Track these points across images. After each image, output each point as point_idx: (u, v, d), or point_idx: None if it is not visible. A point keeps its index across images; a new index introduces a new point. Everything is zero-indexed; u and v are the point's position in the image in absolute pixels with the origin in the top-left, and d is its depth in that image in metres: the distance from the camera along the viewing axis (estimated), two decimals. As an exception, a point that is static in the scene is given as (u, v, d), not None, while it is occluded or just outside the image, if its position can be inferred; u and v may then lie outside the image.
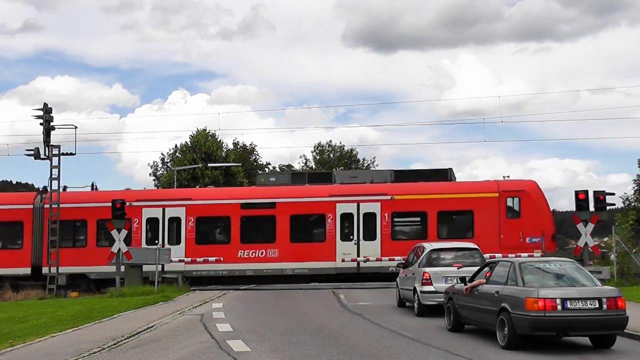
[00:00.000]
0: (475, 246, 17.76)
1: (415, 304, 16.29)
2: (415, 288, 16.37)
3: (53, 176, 29.68)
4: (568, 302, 10.25)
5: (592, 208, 23.59)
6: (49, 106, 29.54)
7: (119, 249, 25.16)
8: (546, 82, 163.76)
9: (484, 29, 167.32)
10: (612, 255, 25.63)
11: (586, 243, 23.23)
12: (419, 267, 16.73)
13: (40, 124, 29.28)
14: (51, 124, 29.35)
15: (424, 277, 16.04)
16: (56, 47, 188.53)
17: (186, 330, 13.57)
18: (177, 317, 16.19)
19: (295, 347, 11.07)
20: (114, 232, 25.10)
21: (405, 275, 17.84)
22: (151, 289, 25.19)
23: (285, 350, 10.77)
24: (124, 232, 25.17)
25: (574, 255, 23.36)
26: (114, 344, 11.75)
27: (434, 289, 15.69)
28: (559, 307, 10.20)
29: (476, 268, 14.90)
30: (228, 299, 22.13)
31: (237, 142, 52.82)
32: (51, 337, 13.04)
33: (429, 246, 17.42)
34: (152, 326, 14.34)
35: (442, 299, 14.85)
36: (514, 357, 10.15)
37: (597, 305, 10.30)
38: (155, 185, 52.52)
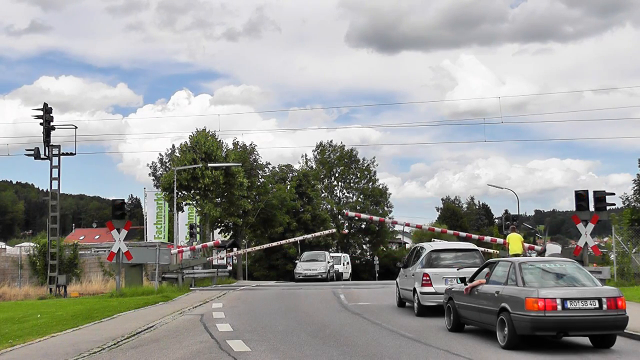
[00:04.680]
0: (475, 247, 17.76)
1: (415, 305, 16.29)
2: (415, 289, 16.33)
3: (53, 176, 29.72)
4: (568, 302, 10.23)
5: (592, 208, 23.60)
6: (49, 106, 29.58)
7: (119, 249, 25.15)
8: (549, 83, 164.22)
9: (487, 30, 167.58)
10: (612, 255, 25.67)
11: (586, 243, 23.23)
12: (418, 267, 16.62)
13: (41, 124, 29.31)
14: (51, 124, 29.37)
15: (424, 278, 15.96)
16: (61, 48, 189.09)
17: (186, 330, 13.57)
18: (177, 317, 16.19)
19: (295, 347, 11.07)
20: (114, 232, 25.08)
21: (406, 276, 17.79)
22: (151, 288, 25.21)
23: (285, 350, 10.76)
24: (124, 232, 25.17)
25: (574, 255, 23.36)
26: (114, 344, 11.74)
27: (434, 290, 15.64)
28: (559, 307, 10.17)
29: (476, 269, 14.84)
30: (228, 299, 22.13)
31: (237, 142, 52.76)
32: (51, 337, 13.03)
33: (428, 247, 17.35)
34: (152, 326, 14.34)
35: (441, 300, 14.85)
36: (514, 357, 10.14)
37: (597, 305, 10.27)
38: (155, 186, 52.49)
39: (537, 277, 10.96)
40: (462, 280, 13.06)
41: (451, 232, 28.84)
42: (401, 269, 18.67)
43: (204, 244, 35.91)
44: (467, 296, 12.42)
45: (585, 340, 11.26)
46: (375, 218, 40.36)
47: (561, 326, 10.25)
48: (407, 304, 17.80)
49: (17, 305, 23.39)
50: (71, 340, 12.47)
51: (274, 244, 40.53)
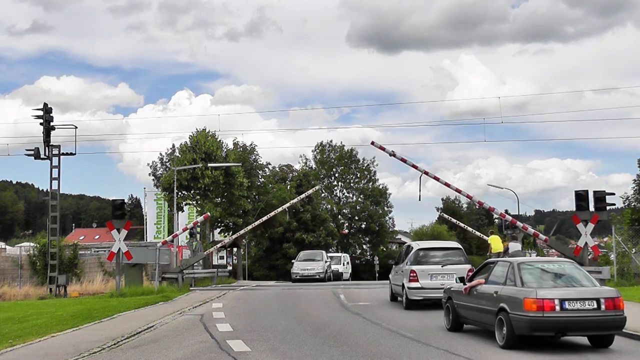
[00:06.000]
0: (459, 245, 19.05)
1: (404, 299, 17.70)
2: (403, 284, 17.69)
3: (53, 176, 29.72)
4: (566, 303, 10.24)
5: (592, 208, 23.60)
6: (49, 106, 29.58)
7: (119, 248, 25.15)
8: (549, 83, 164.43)
9: (488, 30, 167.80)
10: (612, 255, 25.66)
11: (586, 243, 23.23)
12: (407, 264, 17.89)
13: (41, 124, 29.30)
14: (51, 124, 29.37)
15: (411, 274, 17.37)
16: (62, 48, 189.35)
17: (186, 330, 13.58)
18: (177, 317, 16.20)
19: (295, 347, 11.07)
20: (114, 232, 25.07)
21: (397, 272, 19.05)
22: (151, 288, 25.20)
23: (285, 350, 10.77)
24: (124, 232, 25.16)
25: (574, 255, 23.37)
26: (114, 344, 11.75)
27: (420, 285, 17.20)
28: (558, 308, 10.19)
29: (460, 266, 17.07)
30: (228, 299, 22.13)
31: (237, 142, 52.71)
32: (51, 337, 13.03)
33: (416, 245, 18.70)
34: (152, 326, 14.34)
35: (427, 295, 17.00)
36: (514, 357, 10.15)
37: (595, 306, 10.29)
38: (155, 186, 52.44)
39: (536, 277, 10.96)
40: (461, 280, 13.14)
41: (464, 194, 28.06)
42: (393, 266, 20.02)
43: (194, 221, 35.76)
44: (466, 296, 12.44)
45: (585, 340, 11.26)
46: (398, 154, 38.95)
47: (559, 327, 10.26)
48: (398, 298, 18.93)
49: (17, 305, 23.40)
50: (71, 340, 12.47)
51: (265, 218, 38.99)
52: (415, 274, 17.28)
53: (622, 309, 10.42)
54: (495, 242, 24.87)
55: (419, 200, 29.68)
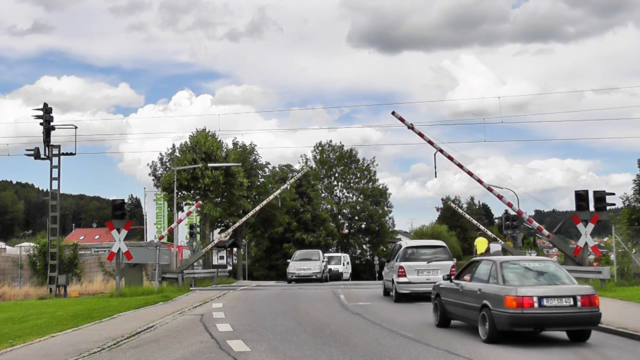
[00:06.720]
0: (443, 244, 20.58)
1: (393, 293, 19.36)
2: (393, 279, 19.39)
3: (53, 176, 29.72)
4: (545, 300, 10.71)
5: (592, 208, 23.59)
6: (49, 106, 29.58)
7: (119, 249, 25.14)
8: (549, 83, 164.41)
9: (488, 30, 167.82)
10: (612, 255, 25.64)
11: (586, 243, 23.22)
12: (396, 261, 19.50)
13: (41, 124, 29.30)
14: (51, 124, 29.37)
15: (400, 270, 19.04)
16: (63, 48, 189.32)
17: (186, 330, 13.58)
18: (177, 317, 16.20)
19: (295, 347, 11.07)
20: (114, 232, 25.07)
21: (388, 269, 20.72)
22: (151, 289, 25.20)
23: (285, 350, 10.77)
24: (124, 232, 25.15)
25: (574, 255, 23.36)
26: (114, 344, 11.75)
27: (407, 280, 18.91)
28: (536, 305, 10.67)
29: (444, 262, 18.88)
30: (228, 299, 22.13)
31: (237, 142, 52.63)
32: (51, 337, 13.04)
33: (404, 243, 20.54)
34: (152, 326, 14.34)
35: (415, 289, 18.71)
36: (513, 356, 10.16)
37: (571, 303, 10.77)
38: (155, 186, 52.45)
39: (517, 275, 11.44)
40: (448, 277, 13.60)
41: (475, 177, 27.35)
42: (386, 263, 21.56)
43: (188, 211, 35.68)
44: (452, 293, 12.91)
45: (589, 339, 11.37)
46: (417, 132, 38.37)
47: (538, 322, 10.75)
48: (390, 293, 20.25)
49: (17, 305, 23.38)
50: (71, 340, 12.48)
51: (258, 208, 38.11)
52: (403, 270, 18.96)
53: (597, 306, 10.89)
54: (480, 245, 25.95)
55: (435, 177, 30.75)
